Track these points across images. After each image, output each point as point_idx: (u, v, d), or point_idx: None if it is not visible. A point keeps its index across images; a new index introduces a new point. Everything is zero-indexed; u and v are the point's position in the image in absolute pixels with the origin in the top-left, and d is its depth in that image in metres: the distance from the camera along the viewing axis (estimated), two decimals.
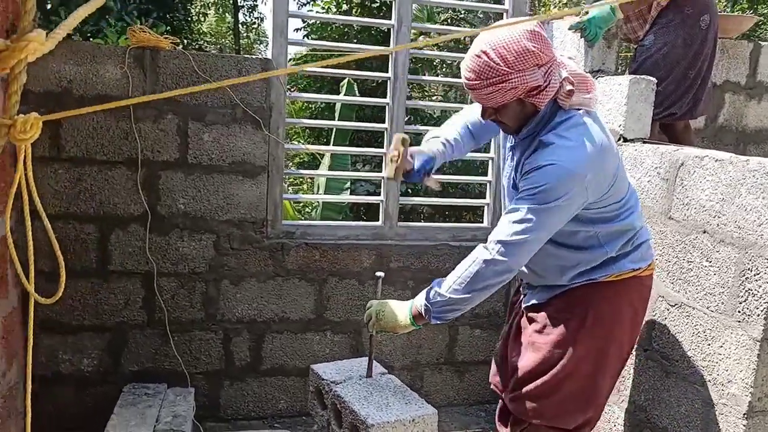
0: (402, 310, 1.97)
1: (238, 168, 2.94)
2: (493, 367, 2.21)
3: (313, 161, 7.64)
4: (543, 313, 1.98)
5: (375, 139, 7.63)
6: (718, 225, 2.02)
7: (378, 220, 3.31)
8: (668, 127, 3.04)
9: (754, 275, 1.87)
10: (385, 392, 2.06)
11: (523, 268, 2.01)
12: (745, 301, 1.90)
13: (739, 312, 1.92)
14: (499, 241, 1.76)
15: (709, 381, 2.03)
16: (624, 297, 1.94)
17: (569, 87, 1.73)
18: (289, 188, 7.87)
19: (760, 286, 1.85)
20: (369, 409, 1.93)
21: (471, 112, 2.18)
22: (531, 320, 2.02)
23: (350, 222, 3.35)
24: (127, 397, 2.70)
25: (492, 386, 2.22)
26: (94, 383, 2.89)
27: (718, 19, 2.96)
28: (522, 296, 2.12)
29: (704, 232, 2.08)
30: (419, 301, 1.92)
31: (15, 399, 2.58)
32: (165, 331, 2.93)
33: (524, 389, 1.97)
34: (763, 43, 3.54)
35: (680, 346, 2.17)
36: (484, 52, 1.67)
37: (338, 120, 6.28)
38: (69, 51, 2.65)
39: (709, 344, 2.04)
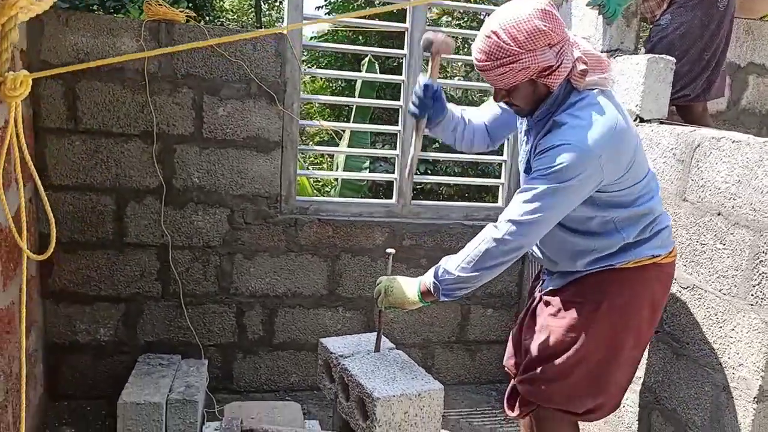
0: (411, 287, 1.97)
1: (252, 143, 2.95)
2: (509, 349, 2.20)
3: (334, 140, 7.66)
4: (558, 298, 1.97)
5: (395, 118, 7.60)
6: (733, 207, 1.99)
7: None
8: (685, 109, 2.98)
9: None
10: (392, 367, 2.07)
11: (539, 254, 2.00)
12: (758, 284, 1.87)
13: (752, 295, 1.90)
14: (509, 221, 1.74)
15: (720, 364, 2.01)
16: (643, 284, 1.89)
17: (582, 67, 1.70)
18: (309, 167, 7.89)
19: None
20: (375, 382, 1.95)
21: (488, 108, 2.16)
22: (547, 304, 2.00)
23: (364, 199, 3.35)
24: (141, 367, 2.76)
25: (506, 369, 2.21)
26: (110, 352, 2.96)
27: (743, 0, 2.88)
28: (541, 281, 2.11)
29: (719, 214, 2.05)
30: (428, 278, 1.92)
31: (34, 365, 2.65)
32: (179, 303, 2.98)
33: (535, 372, 1.96)
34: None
35: (691, 329, 2.15)
36: (495, 32, 1.64)
37: (358, 98, 6.26)
38: (86, 24, 2.66)
39: (720, 327, 2.01)
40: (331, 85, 10.11)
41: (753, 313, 1.89)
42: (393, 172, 3.37)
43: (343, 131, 5.40)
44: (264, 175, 2.99)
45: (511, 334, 2.23)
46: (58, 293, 2.85)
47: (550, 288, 2.01)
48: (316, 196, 5.90)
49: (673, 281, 2.23)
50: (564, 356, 1.91)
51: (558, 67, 1.67)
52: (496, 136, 2.19)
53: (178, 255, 2.96)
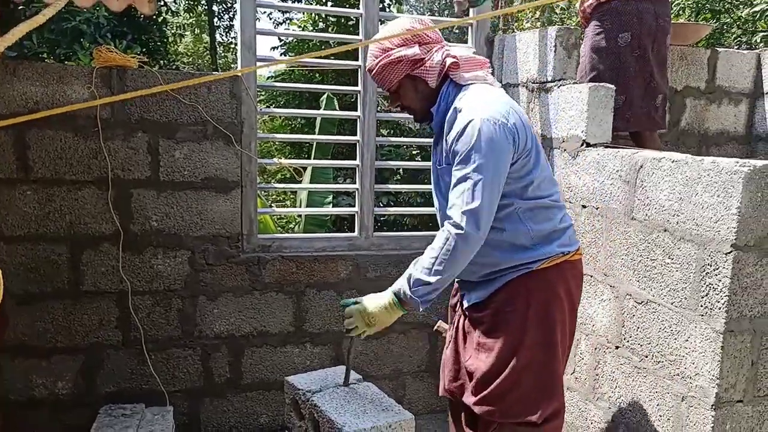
0: (387, 303, 1.95)
1: (210, 184, 2.95)
2: (449, 373, 2.15)
3: (295, 177, 7.69)
4: (487, 312, 2.00)
5: (355, 152, 7.67)
6: (677, 223, 2.08)
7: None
8: (636, 136, 3.10)
9: (714, 270, 1.92)
10: (362, 400, 2.07)
11: None
12: (706, 295, 1.95)
13: (701, 306, 1.97)
14: (463, 212, 1.79)
15: (678, 375, 2.07)
16: (560, 281, 1.98)
17: (452, 60, 1.94)
18: (272, 205, 7.87)
19: (720, 281, 1.90)
20: (345, 417, 1.95)
21: None
22: (476, 322, 2.03)
23: (326, 234, 3.37)
24: (103, 419, 2.68)
25: (448, 394, 2.17)
26: (69, 406, 2.87)
27: (662, 37, 2.91)
28: (461, 298, 2.14)
29: (665, 230, 2.13)
30: (401, 290, 1.91)
31: None
32: (141, 350, 2.92)
33: (485, 391, 1.97)
34: (720, 50, 3.63)
35: (648, 342, 2.21)
36: (372, 43, 2.03)
37: (318, 134, 6.30)
38: (35, 73, 2.65)
39: (675, 339, 2.08)
40: (290, 123, 10.17)
41: (704, 323, 1.96)
42: (354, 206, 3.40)
43: (304, 168, 5.44)
44: (224, 215, 2.99)
45: (444, 355, 2.20)
46: (14, 348, 2.76)
47: (474, 302, 2.04)
48: (280, 233, 5.89)
49: (629, 297, 2.31)
50: (509, 368, 1.94)
51: (428, 59, 1.93)
52: None
53: (139, 300, 2.91)
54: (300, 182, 5.17)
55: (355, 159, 3.33)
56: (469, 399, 2.04)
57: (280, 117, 11.09)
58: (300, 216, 6.94)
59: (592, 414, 2.52)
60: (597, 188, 2.49)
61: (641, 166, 2.24)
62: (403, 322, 3.32)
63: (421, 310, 1.93)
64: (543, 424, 1.98)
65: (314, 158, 6.15)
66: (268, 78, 9.53)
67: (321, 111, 3.60)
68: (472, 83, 1.95)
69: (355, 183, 3.34)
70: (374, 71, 1.97)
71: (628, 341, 2.32)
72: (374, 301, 1.98)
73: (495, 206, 1.84)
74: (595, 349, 2.51)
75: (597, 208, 2.50)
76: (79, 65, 3.53)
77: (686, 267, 2.03)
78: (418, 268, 1.88)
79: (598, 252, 2.50)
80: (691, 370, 2.01)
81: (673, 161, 2.09)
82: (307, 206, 5.55)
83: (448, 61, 1.94)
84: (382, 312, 1.95)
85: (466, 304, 2.08)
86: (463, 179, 1.81)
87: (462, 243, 1.80)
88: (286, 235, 3.28)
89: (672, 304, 2.10)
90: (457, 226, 1.80)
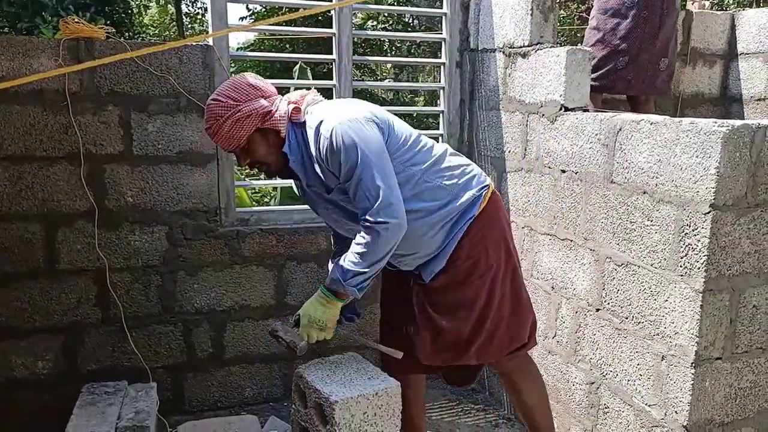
0: (323, 301, 2.02)
1: (186, 157, 2.89)
2: (426, 346, 2.16)
3: None
4: (450, 273, 2.10)
5: None
6: (656, 185, 2.09)
7: None
8: (632, 100, 3.11)
9: (693, 231, 1.95)
10: (347, 369, 2.08)
11: (403, 257, 2.10)
12: (685, 255, 1.98)
13: (680, 267, 2.00)
14: (375, 211, 1.87)
15: (658, 335, 2.11)
16: (498, 210, 2.17)
17: (293, 106, 2.01)
18: (245, 179, 7.78)
19: (699, 241, 1.93)
20: (332, 386, 1.95)
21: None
22: (444, 287, 2.12)
23: (304, 206, 3.33)
24: (86, 397, 2.65)
25: (434, 364, 2.22)
26: (51, 386, 2.84)
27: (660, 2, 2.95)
28: (415, 278, 2.17)
29: (644, 192, 2.15)
30: (336, 285, 1.98)
31: None
32: (122, 327, 2.89)
33: (478, 341, 2.11)
34: (694, 11, 3.64)
35: (629, 304, 2.25)
36: (213, 100, 1.95)
37: None
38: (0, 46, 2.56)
39: (655, 299, 2.12)
40: None
41: (683, 283, 1.99)
42: None
43: None
44: (201, 189, 2.94)
45: (408, 332, 2.21)
46: None
47: (436, 273, 2.11)
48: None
49: (608, 260, 2.34)
50: (492, 311, 2.12)
51: (276, 110, 1.96)
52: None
53: (117, 278, 2.87)
54: None
55: None
56: (463, 359, 2.14)
57: None
58: (275, 189, 6.86)
59: (574, 376, 2.57)
60: (576, 153, 2.50)
61: (620, 129, 2.25)
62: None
63: (359, 297, 2.01)
64: (529, 339, 2.28)
65: None
66: (237, 49, 9.34)
67: (295, 81, 3.51)
68: (309, 112, 2.02)
69: None
70: (221, 131, 1.93)
71: (608, 303, 2.35)
72: (311, 308, 2.03)
73: (396, 187, 1.92)
74: (576, 312, 2.54)
75: (576, 173, 2.51)
76: (45, 38, 3.41)
77: (665, 228, 2.06)
78: (347, 262, 1.95)
79: (578, 216, 2.51)
80: (671, 329, 2.05)
81: (651, 123, 2.10)
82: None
83: (291, 107, 2.00)
84: (324, 311, 2.01)
85: (427, 279, 2.12)
86: (357, 186, 1.89)
87: (384, 231, 1.88)
88: (265, 208, 3.24)
89: (651, 265, 2.13)
90: (376, 222, 1.88)
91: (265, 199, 7.39)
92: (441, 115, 3.41)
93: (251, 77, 2.01)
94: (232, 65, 2.98)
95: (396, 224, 1.89)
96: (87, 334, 2.87)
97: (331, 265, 2.20)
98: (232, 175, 3.05)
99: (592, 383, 2.46)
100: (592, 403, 2.46)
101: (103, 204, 2.79)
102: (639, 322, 2.20)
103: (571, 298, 2.57)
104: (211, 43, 2.88)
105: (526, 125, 2.83)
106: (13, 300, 2.73)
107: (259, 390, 3.21)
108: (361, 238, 1.92)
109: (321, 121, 1.92)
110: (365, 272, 1.93)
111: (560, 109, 2.58)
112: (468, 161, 2.20)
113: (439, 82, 3.41)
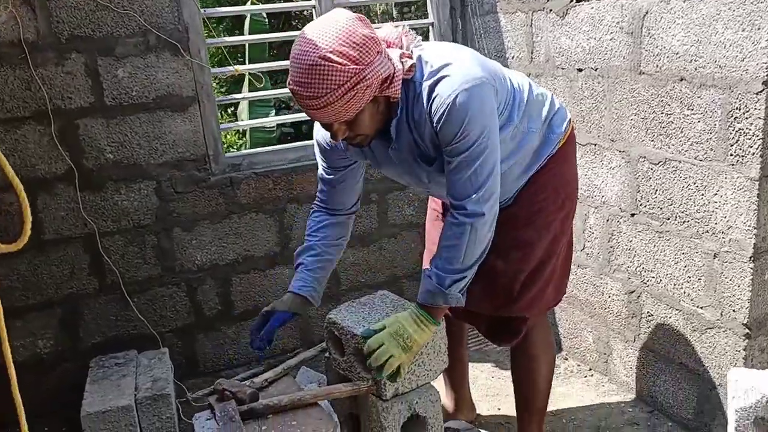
0: (418, 320, 1.61)
1: (164, 103, 2.63)
2: (475, 288, 1.78)
3: (235, 89, 7.18)
4: (510, 210, 1.79)
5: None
6: (695, 69, 1.90)
7: None
8: None
9: (744, 114, 1.77)
10: (382, 308, 1.90)
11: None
12: (736, 142, 1.81)
13: (731, 155, 1.83)
14: (477, 200, 1.53)
15: (707, 232, 1.97)
16: (573, 153, 1.87)
17: (410, 62, 1.50)
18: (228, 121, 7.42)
19: (752, 123, 1.75)
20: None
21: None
22: (499, 224, 1.71)
23: (300, 142, 3.10)
24: (96, 372, 2.48)
25: (486, 311, 1.93)
26: (54, 364, 2.65)
27: None
28: None
29: (681, 79, 1.96)
30: (435, 298, 1.60)
31: None
32: (122, 295, 2.69)
33: (532, 292, 1.84)
34: None
35: (670, 204, 2.09)
36: (324, 58, 1.36)
37: (251, 32, 5.78)
38: None
39: (702, 195, 1.96)
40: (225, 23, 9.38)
41: (735, 172, 1.83)
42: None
43: (258, 75, 5.05)
44: (185, 136, 2.69)
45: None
46: None
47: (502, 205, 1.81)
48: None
49: (642, 159, 2.17)
50: (554, 259, 1.85)
51: (395, 71, 1.47)
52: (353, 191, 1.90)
53: (109, 242, 2.65)
54: (260, 89, 4.80)
55: None
56: (513, 309, 1.86)
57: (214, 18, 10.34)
58: (244, 135, 6.55)
59: (609, 288, 2.44)
60: (594, 47, 2.28)
61: (647, 12, 2.03)
62: (392, 225, 3.17)
63: (464, 303, 1.65)
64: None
65: (250, 62, 5.68)
66: None
67: (271, 5, 3.19)
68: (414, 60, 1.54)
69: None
70: (332, 105, 1.40)
71: (645, 207, 2.20)
72: (404, 320, 1.61)
73: (499, 167, 1.57)
74: (607, 221, 2.39)
75: (595, 69, 2.31)
76: None
77: (710, 116, 1.88)
78: (447, 270, 1.58)
79: (602, 117, 2.32)
80: (723, 224, 1.90)
81: (685, 0, 1.89)
82: (250, 119, 5.23)
83: (407, 64, 1.50)
84: (418, 331, 1.59)
85: None
86: (465, 167, 1.51)
87: (482, 226, 1.55)
88: (256, 150, 2.99)
89: (695, 158, 1.96)
90: (474, 214, 1.54)
91: (231, 149, 7.06)
92: (431, 27, 3.15)
93: (360, 21, 1.43)
94: None
95: (491, 215, 1.56)
96: (86, 306, 2.66)
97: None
98: (216, 118, 2.79)
99: (632, 292, 2.33)
100: (633, 312, 2.34)
101: (81, 164, 2.53)
102: (684, 222, 2.05)
103: (600, 206, 2.41)
104: None
105: (531, 25, 2.59)
106: (1, 279, 2.50)
107: (274, 342, 3.04)
108: (457, 238, 1.56)
109: (439, 79, 1.49)
110: (466, 276, 1.58)
111: (571, 0, 2.35)
112: (546, 91, 1.84)
113: None
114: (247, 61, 5.85)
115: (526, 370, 2.00)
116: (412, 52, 1.54)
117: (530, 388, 2.00)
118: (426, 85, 1.50)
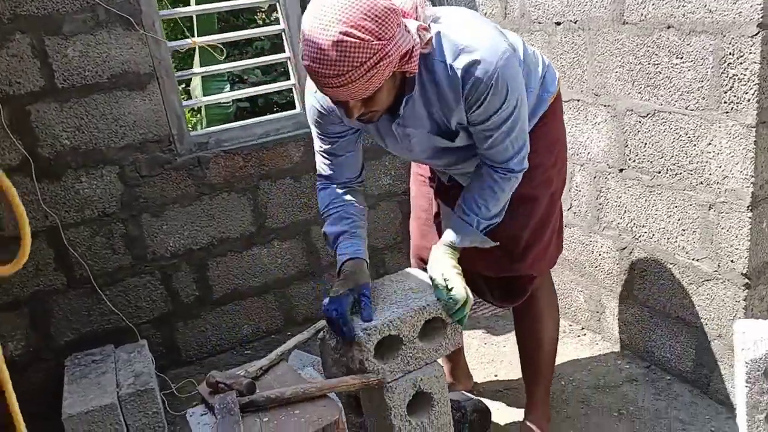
0: (452, 255, 1.64)
1: (120, 81, 2.45)
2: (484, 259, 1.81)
3: (185, 64, 6.89)
4: None
5: (250, 25, 6.94)
6: (684, 15, 1.83)
7: (294, 108, 2.96)
8: None
9: (737, 59, 1.71)
10: (400, 292, 1.75)
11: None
12: (730, 89, 1.75)
13: (725, 103, 1.78)
14: (517, 160, 1.59)
15: (701, 183, 1.92)
16: (561, 109, 1.86)
17: (427, 35, 1.40)
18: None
19: (747, 69, 1.69)
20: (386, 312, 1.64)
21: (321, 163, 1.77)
22: None
23: (267, 116, 2.96)
24: (73, 371, 2.35)
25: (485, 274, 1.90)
26: (27, 366, 2.51)
27: None
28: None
29: (669, 27, 1.89)
30: (472, 242, 1.66)
31: None
32: (93, 288, 2.54)
33: (536, 249, 1.83)
34: None
35: (661, 157, 2.04)
36: (345, 34, 1.24)
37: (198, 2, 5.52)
38: None
39: (694, 145, 1.91)
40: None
41: (729, 120, 1.78)
42: (261, 83, 3.00)
43: (218, 46, 4.83)
44: (146, 116, 2.53)
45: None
46: None
47: None
48: None
49: (629, 112, 2.11)
50: (554, 215, 1.86)
51: (414, 45, 1.36)
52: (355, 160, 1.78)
53: (73, 234, 2.49)
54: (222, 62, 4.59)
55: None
56: (518, 269, 1.83)
57: None
58: (199, 113, 6.32)
59: (599, 245, 2.40)
60: None
61: None
62: (369, 196, 3.07)
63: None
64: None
65: (199, 34, 5.44)
66: None
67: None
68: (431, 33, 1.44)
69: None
70: (354, 82, 1.29)
71: (634, 161, 2.14)
72: (443, 258, 1.62)
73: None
74: (594, 177, 2.33)
75: (575, 22, 2.22)
76: None
77: (700, 63, 1.82)
78: (487, 217, 1.64)
79: (584, 72, 2.25)
80: (718, 174, 1.86)
81: None
82: (204, 95, 5.03)
83: (425, 37, 1.40)
84: (455, 256, 1.64)
85: None
86: (506, 132, 1.52)
87: (517, 180, 1.64)
88: (222, 126, 2.84)
89: (686, 108, 1.90)
90: (519, 171, 1.62)
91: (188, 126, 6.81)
92: None
93: None
94: None
95: (524, 165, 1.63)
96: (55, 303, 2.51)
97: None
98: (178, 95, 2.63)
99: (623, 249, 2.29)
100: (625, 269, 2.31)
101: (36, 152, 2.36)
102: (676, 174, 2.00)
103: (586, 163, 2.35)
104: None
105: None
106: None
107: (257, 325, 2.95)
108: (499, 189, 1.61)
109: (473, 63, 1.40)
110: (499, 219, 1.66)
111: None
112: (535, 48, 1.82)
113: None
114: (196, 34, 5.60)
115: (531, 330, 1.98)
116: (429, 26, 1.43)
117: (535, 349, 1.99)
118: (458, 68, 1.42)
